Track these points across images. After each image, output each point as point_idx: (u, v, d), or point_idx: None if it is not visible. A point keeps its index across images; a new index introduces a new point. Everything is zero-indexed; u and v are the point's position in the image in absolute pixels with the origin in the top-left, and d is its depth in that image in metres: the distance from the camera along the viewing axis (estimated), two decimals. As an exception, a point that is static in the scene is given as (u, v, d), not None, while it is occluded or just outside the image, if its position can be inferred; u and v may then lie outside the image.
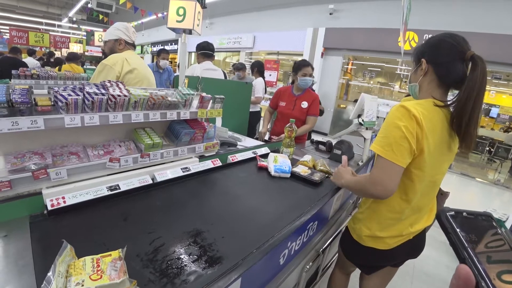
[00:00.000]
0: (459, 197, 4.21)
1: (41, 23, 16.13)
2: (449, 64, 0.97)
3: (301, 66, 2.46)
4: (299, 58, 8.72)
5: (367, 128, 2.06)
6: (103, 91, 1.05)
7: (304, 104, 2.53)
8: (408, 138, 0.94)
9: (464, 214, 0.44)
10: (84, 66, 6.92)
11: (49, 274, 0.58)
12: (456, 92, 0.99)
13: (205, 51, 3.16)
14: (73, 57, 5.21)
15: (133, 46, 2.11)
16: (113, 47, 2.00)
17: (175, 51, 13.69)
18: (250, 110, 4.20)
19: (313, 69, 2.54)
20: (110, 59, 1.83)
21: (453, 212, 0.46)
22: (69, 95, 0.98)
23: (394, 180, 0.98)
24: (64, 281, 0.60)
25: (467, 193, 4.88)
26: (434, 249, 2.75)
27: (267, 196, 1.32)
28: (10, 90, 0.93)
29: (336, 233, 1.48)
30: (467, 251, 0.36)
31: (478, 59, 0.90)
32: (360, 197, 1.99)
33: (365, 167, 2.04)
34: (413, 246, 1.20)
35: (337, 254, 1.73)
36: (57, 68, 5.20)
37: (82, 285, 0.58)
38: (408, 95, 1.21)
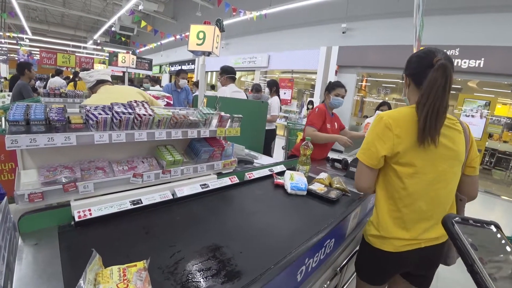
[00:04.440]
0: (484, 216, 4.00)
1: (68, 45, 17.19)
2: (421, 73, 1.09)
3: (335, 87, 2.53)
4: (313, 76, 8.87)
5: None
6: (130, 111, 1.12)
7: (336, 125, 2.65)
8: (375, 143, 1.11)
9: (471, 221, 0.46)
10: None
11: (80, 281, 0.62)
12: None
13: (232, 75, 3.28)
14: None
15: (99, 83, 2.07)
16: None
17: (192, 71, 14.18)
18: (266, 128, 4.26)
19: (346, 91, 2.59)
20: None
21: (458, 218, 0.48)
22: (100, 114, 1.05)
23: (363, 178, 1.18)
24: None
25: (491, 212, 4.65)
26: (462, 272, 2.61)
27: (284, 213, 1.33)
28: (48, 109, 1.01)
29: (354, 251, 1.46)
30: (472, 259, 0.39)
31: (441, 63, 1.01)
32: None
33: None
34: (425, 256, 1.17)
35: (355, 274, 1.69)
36: (70, 84, 5.27)
37: (110, 293, 0.61)
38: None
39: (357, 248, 1.46)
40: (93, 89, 2.08)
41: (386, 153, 1.09)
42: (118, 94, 1.99)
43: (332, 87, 2.55)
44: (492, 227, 0.54)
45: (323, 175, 1.77)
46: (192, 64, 14.46)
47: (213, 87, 9.94)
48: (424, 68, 1.07)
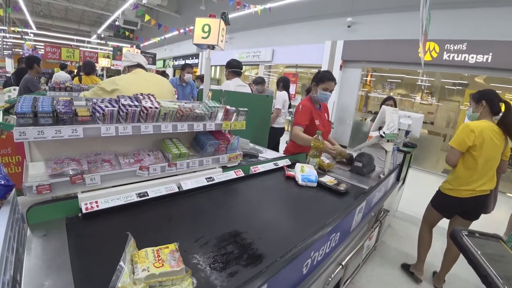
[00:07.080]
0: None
1: (72, 40, 17.19)
2: (497, 104, 1.97)
3: (325, 79, 2.21)
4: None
5: (388, 141, 2.04)
6: (136, 103, 1.12)
7: (326, 116, 2.48)
8: (465, 138, 1.94)
9: (477, 234, 0.49)
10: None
11: (121, 261, 0.66)
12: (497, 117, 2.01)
13: (236, 69, 3.25)
14: (91, 69, 5.14)
15: (138, 66, 2.08)
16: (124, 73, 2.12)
17: (196, 65, 14.14)
18: (275, 126, 4.24)
19: (335, 83, 2.28)
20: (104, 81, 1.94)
21: (466, 232, 0.51)
22: (106, 106, 1.05)
23: (451, 156, 2.05)
24: (131, 268, 0.68)
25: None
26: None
27: (295, 204, 1.38)
28: (55, 102, 1.02)
29: (358, 247, 1.46)
30: (485, 270, 0.41)
31: (508, 102, 1.95)
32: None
33: (387, 179, 2.01)
34: (480, 201, 2.04)
35: (360, 266, 1.70)
36: (76, 79, 5.31)
37: (148, 271, 0.66)
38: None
39: (362, 242, 1.47)
40: (129, 68, 2.12)
41: (470, 144, 1.93)
42: (151, 83, 2.00)
43: (321, 79, 2.23)
44: (496, 240, 0.58)
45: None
46: (196, 58, 14.39)
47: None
48: (498, 101, 1.97)
